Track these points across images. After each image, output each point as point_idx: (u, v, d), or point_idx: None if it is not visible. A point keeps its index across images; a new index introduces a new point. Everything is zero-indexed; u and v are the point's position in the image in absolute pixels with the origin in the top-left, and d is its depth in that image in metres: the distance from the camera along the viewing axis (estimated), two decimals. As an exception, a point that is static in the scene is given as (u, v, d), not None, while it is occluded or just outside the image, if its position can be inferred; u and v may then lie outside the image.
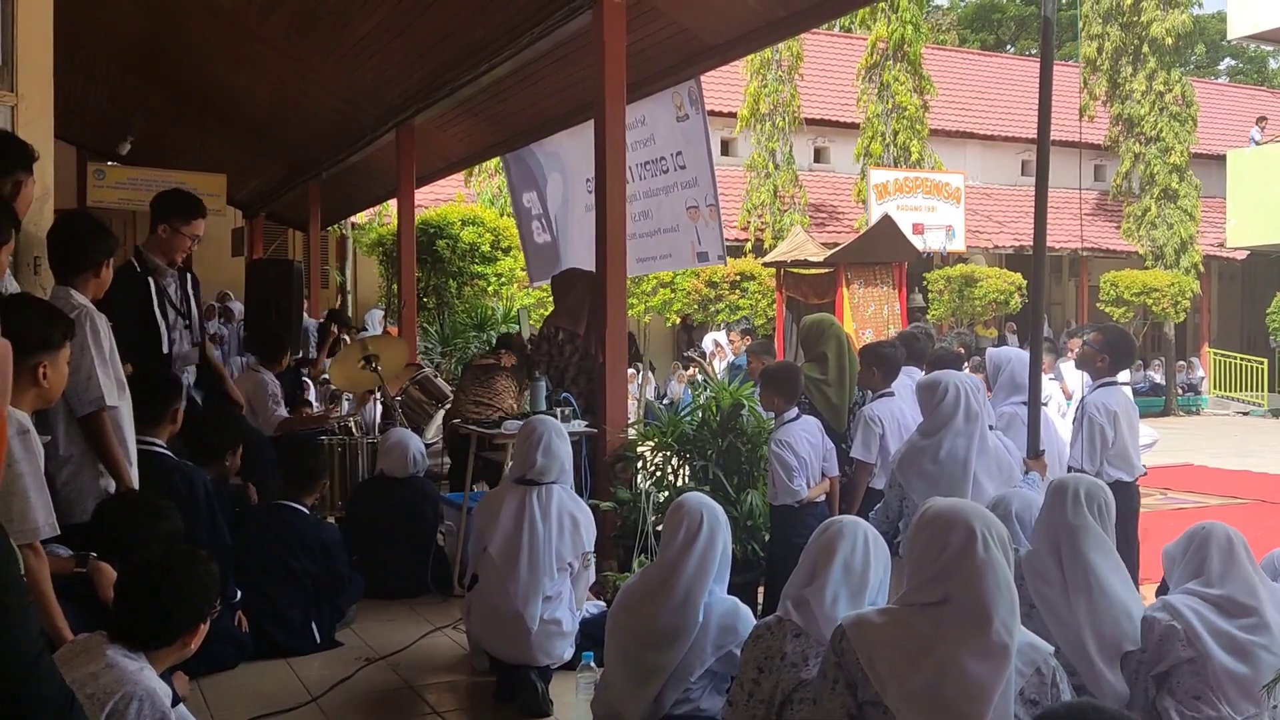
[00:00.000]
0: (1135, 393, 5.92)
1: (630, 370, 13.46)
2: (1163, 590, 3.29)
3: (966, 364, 5.97)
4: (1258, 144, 20.81)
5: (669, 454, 5.60)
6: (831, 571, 2.87)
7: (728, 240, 18.53)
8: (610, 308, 5.67)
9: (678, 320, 17.59)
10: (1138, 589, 3.25)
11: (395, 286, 10.89)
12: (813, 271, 13.70)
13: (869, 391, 5.45)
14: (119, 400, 3.70)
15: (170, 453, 4.24)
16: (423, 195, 12.34)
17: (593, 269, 5.91)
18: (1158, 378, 20.52)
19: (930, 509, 2.62)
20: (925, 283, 19.03)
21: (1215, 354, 22.17)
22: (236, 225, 15.06)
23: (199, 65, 9.72)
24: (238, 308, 12.46)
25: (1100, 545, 3.13)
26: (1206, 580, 3.03)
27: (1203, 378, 21.77)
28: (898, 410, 5.27)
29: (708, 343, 12.50)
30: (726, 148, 20.86)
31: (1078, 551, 3.13)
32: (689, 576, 3.22)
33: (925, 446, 4.40)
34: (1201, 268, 21.08)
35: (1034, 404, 4.91)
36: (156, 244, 4.75)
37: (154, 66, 10.06)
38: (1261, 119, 22.12)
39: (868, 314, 12.29)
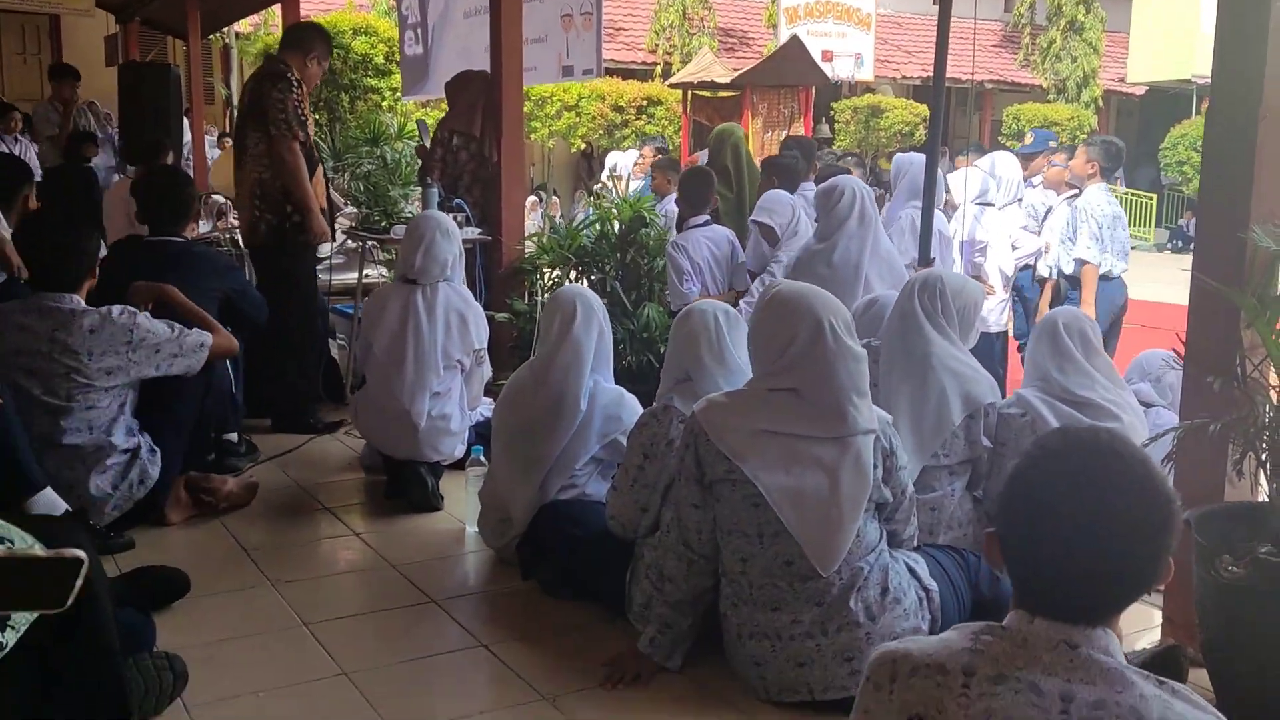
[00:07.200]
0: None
1: (532, 198, 13.20)
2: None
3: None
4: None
5: (567, 268, 5.52)
6: (701, 360, 2.92)
7: (634, 63, 18.19)
8: (506, 111, 5.46)
9: (583, 146, 17.21)
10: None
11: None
12: (719, 95, 13.45)
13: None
14: None
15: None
16: (311, 2, 11.61)
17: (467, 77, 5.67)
18: (1052, 211, 20.98)
19: (777, 295, 2.60)
20: (832, 112, 18.90)
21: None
22: (109, 32, 14.00)
23: None
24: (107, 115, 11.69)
25: (917, 333, 3.17)
26: (1060, 365, 3.16)
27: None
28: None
29: (611, 161, 12.24)
30: (635, -35, 20.02)
31: (898, 340, 3.21)
32: (565, 364, 3.21)
33: (820, 250, 4.42)
34: (1101, 103, 21.33)
35: (927, 212, 4.95)
36: None
37: None
38: None
39: (768, 138, 12.18)
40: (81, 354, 3.30)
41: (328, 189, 5.37)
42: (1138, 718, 1.16)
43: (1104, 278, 5.43)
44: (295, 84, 4.66)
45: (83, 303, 3.41)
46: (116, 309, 3.41)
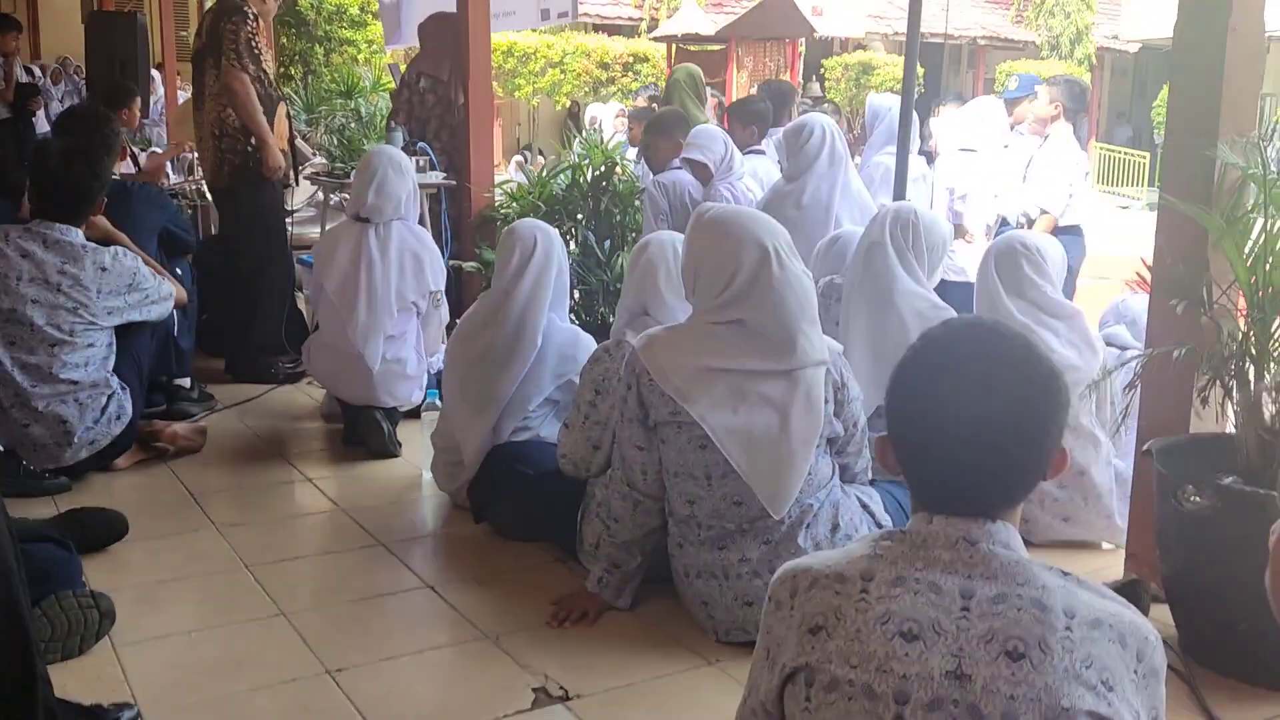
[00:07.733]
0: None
1: (518, 158, 12.97)
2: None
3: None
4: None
5: (537, 217, 5.38)
6: (659, 293, 2.83)
7: (620, 19, 17.90)
8: (474, 53, 5.31)
9: (567, 103, 16.98)
10: None
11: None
12: (704, 49, 13.28)
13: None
14: None
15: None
16: (287, -46, 11.35)
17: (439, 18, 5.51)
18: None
19: (711, 222, 2.46)
20: (823, 70, 18.67)
21: (1101, 148, 22.49)
22: (84, -13, 13.76)
23: None
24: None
25: (883, 267, 3.09)
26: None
27: (1086, 172, 22.10)
28: (763, 171, 5.13)
29: (590, 114, 12.02)
30: (623, -83, 19.66)
31: (863, 272, 3.13)
32: (524, 299, 3.09)
33: (789, 191, 4.30)
34: (1094, 60, 21.09)
35: (902, 156, 4.82)
36: None
37: None
38: None
39: (754, 93, 12.02)
40: (92, 291, 3.35)
41: (292, 135, 5.24)
42: (1040, 609, 1.10)
43: (1075, 229, 5.32)
44: (251, 17, 4.56)
45: (84, 238, 3.40)
46: (120, 250, 3.46)
